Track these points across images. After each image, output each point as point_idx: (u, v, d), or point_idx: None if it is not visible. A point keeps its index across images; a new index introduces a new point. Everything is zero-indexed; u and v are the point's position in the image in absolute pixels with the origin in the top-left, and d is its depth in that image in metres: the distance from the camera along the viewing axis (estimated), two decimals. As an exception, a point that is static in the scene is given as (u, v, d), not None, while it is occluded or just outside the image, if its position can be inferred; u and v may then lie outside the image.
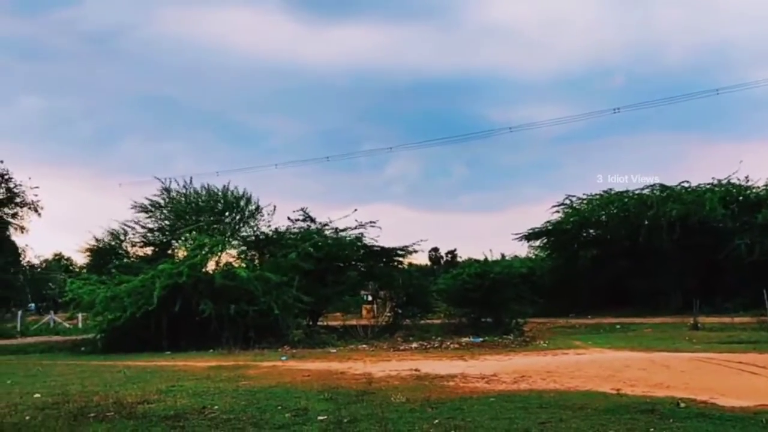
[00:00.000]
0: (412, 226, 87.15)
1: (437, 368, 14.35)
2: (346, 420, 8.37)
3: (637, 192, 38.79)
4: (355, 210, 30.18)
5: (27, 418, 8.86)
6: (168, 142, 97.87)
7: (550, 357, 17.03)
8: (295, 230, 30.86)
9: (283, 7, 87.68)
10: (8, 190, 36.90)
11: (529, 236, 42.52)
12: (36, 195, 37.23)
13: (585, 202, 40.86)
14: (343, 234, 30.54)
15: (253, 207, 30.51)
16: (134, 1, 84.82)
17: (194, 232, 28.31)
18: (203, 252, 25.87)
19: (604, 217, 39.77)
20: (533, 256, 46.04)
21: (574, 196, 41.30)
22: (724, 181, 38.09)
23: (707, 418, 8.02)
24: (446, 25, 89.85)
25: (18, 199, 37.07)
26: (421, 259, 47.24)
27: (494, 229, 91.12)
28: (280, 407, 9.54)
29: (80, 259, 41.62)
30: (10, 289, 36.44)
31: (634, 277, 36.15)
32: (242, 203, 30.31)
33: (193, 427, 8.24)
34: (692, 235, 34.38)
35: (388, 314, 30.93)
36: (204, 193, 30.42)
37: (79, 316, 35.79)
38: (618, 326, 27.60)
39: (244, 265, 27.56)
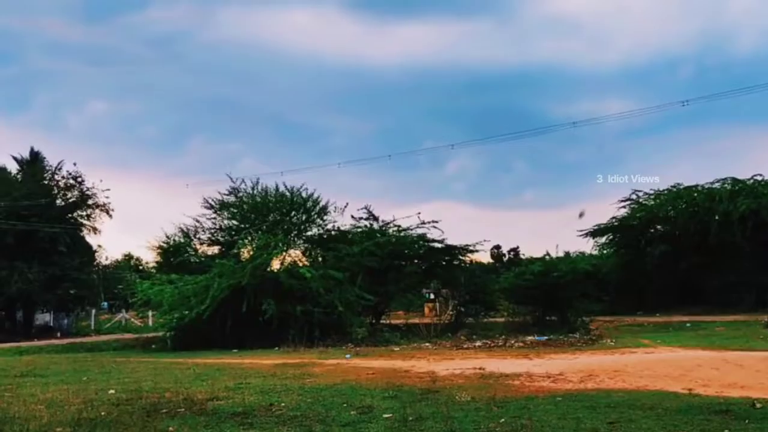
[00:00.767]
0: (473, 223, 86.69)
1: (502, 367, 14.23)
2: (412, 418, 8.37)
3: (707, 186, 37.72)
4: (419, 213, 30.27)
5: (103, 413, 9.12)
6: (232, 142, 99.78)
7: (617, 356, 16.70)
8: (358, 228, 31.08)
9: (343, 7, 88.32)
10: (81, 192, 38.22)
11: (595, 233, 41.77)
12: (107, 197, 38.47)
13: (652, 197, 39.91)
14: (405, 232, 30.60)
15: (320, 207, 30.80)
16: (197, 6, 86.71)
17: (259, 232, 28.81)
18: (267, 252, 26.30)
19: (672, 212, 38.71)
20: (598, 253, 45.19)
21: (640, 191, 40.42)
22: (800, 174, 36.63)
23: (785, 420, 7.73)
24: (505, 21, 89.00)
25: (90, 201, 38.36)
26: (483, 257, 46.80)
27: (557, 226, 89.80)
28: (345, 405, 9.61)
29: (149, 258, 42.84)
30: (84, 289, 37.69)
31: (704, 273, 35.11)
32: (309, 203, 30.63)
33: (261, 424, 8.35)
34: (766, 230, 33.16)
35: (451, 312, 30.83)
36: (272, 192, 30.83)
37: (150, 314, 36.90)
38: (688, 324, 26.86)
39: (308, 263, 27.86)
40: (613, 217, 40.58)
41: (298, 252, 30.13)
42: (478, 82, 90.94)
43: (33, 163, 38.36)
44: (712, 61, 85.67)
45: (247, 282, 23.92)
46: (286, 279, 24.63)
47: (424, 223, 30.31)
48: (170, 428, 8.08)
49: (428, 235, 30.61)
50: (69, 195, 38.27)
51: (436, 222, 30.36)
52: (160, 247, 31.18)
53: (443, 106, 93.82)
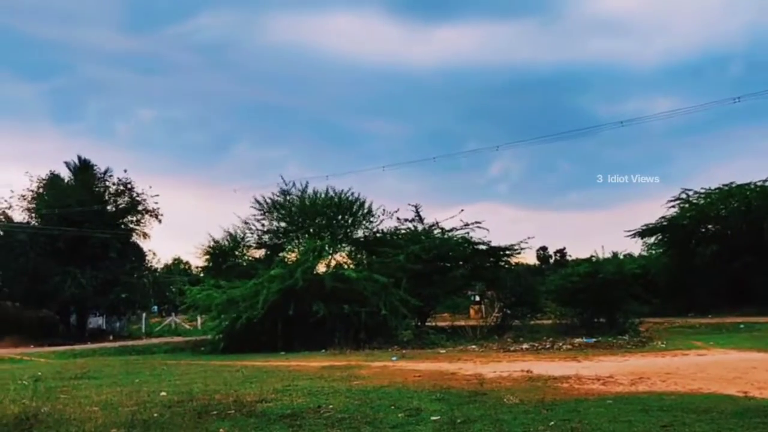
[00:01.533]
0: (518, 224, 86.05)
1: (550, 369, 14.09)
2: (460, 420, 8.34)
3: (759, 184, 36.74)
4: (462, 210, 30.27)
5: (155, 415, 9.28)
6: (277, 147, 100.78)
7: (668, 358, 16.39)
8: (403, 231, 31.12)
9: (386, 11, 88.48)
10: (132, 198, 39.09)
11: (643, 233, 41.03)
12: (156, 203, 39.28)
13: (703, 196, 39.02)
14: (449, 234, 30.53)
15: (365, 210, 30.95)
16: (242, 14, 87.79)
17: (306, 235, 29.06)
18: (315, 254, 26.52)
19: (723, 211, 37.82)
20: (647, 254, 44.35)
21: (690, 190, 39.56)
22: None
23: None
24: (549, 20, 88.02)
25: (140, 207, 39.21)
26: (529, 258, 46.47)
27: (604, 227, 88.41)
28: (393, 407, 9.62)
29: (198, 263, 43.56)
30: (135, 293, 38.48)
31: (758, 273, 34.15)
32: (355, 207, 30.80)
33: (309, 426, 8.41)
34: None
35: (497, 315, 30.65)
36: (320, 196, 31.07)
37: (198, 318, 37.49)
38: (741, 326, 26.19)
39: (353, 266, 28.01)
40: (662, 217, 39.83)
41: (343, 255, 30.34)
42: (520, 82, 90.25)
43: (84, 170, 39.29)
44: (762, 56, 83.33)
45: (297, 286, 24.16)
46: (332, 282, 24.80)
47: (467, 224, 30.28)
48: (221, 430, 8.19)
49: (473, 237, 30.58)
50: (119, 201, 39.16)
51: (480, 223, 30.31)
52: (207, 252, 31.66)
53: (485, 107, 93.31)
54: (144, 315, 45.52)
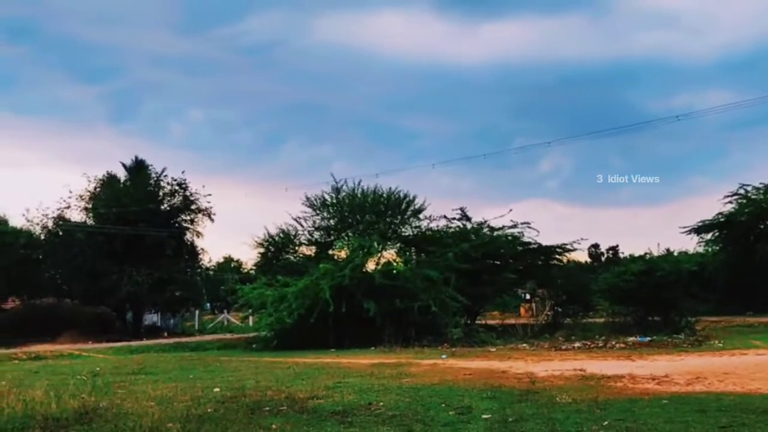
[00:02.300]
0: (568, 221, 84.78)
1: (603, 368, 13.89)
2: (512, 419, 8.28)
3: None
4: (510, 210, 30.08)
5: (209, 410, 9.45)
6: (324, 145, 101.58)
7: (726, 357, 16.01)
8: (452, 229, 30.99)
9: (431, 7, 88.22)
10: (185, 198, 39.74)
11: (699, 229, 40.02)
12: (209, 202, 39.84)
13: (762, 191, 37.86)
14: (498, 233, 30.31)
15: (415, 208, 30.91)
16: (289, 14, 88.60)
17: (356, 233, 29.19)
18: (363, 252, 26.62)
19: (784, 206, 36.66)
20: (703, 251, 43.27)
21: (748, 185, 38.45)
22: None
23: None
24: (599, 15, 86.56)
25: (193, 206, 39.85)
26: (581, 256, 45.77)
27: (658, 223, 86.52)
28: (444, 405, 9.60)
29: (251, 255, 44.08)
30: (189, 290, 39.14)
31: (822, 271, 33.07)
32: (404, 204, 30.81)
33: (361, 423, 8.45)
34: None
35: (548, 313, 30.32)
36: (370, 194, 31.14)
37: (250, 315, 37.98)
38: (803, 325, 25.42)
39: (401, 263, 28.02)
40: (719, 213, 38.81)
41: (392, 252, 30.35)
42: (569, 77, 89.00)
43: (139, 170, 40.10)
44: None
45: (347, 282, 24.31)
46: (381, 279, 24.88)
47: (516, 224, 30.04)
48: (273, 426, 8.28)
49: (522, 235, 30.31)
50: (173, 200, 39.85)
51: (530, 223, 30.09)
52: (261, 244, 31.97)
53: (533, 103, 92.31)
54: (197, 312, 46.28)
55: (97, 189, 38.56)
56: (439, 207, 31.54)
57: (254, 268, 34.92)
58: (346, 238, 30.12)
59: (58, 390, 10.93)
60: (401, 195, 30.89)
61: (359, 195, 30.98)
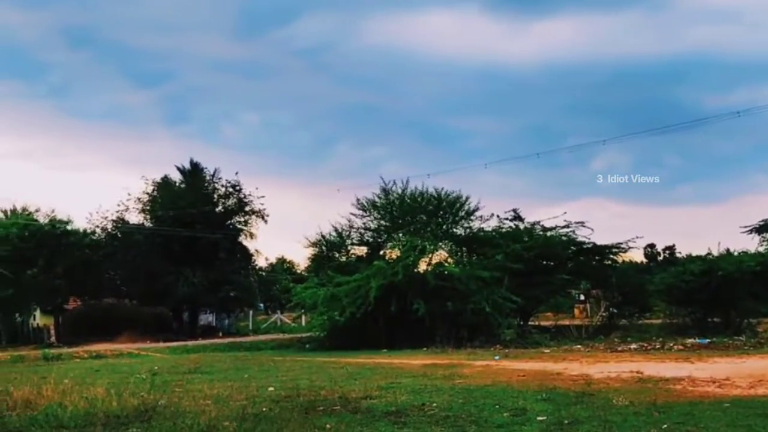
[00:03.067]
0: (623, 221, 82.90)
1: (661, 370, 13.59)
2: (567, 421, 8.17)
3: None
4: (565, 213, 29.62)
5: (264, 409, 9.57)
6: (376, 147, 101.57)
7: (791, 361, 15.49)
8: (504, 229, 30.71)
9: (481, 7, 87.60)
10: (239, 200, 40.39)
11: (761, 228, 38.79)
12: (262, 204, 40.41)
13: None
14: (551, 233, 29.90)
15: (467, 208, 30.70)
16: (340, 17, 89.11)
17: (408, 234, 29.17)
18: (415, 252, 26.60)
19: None
20: (764, 251, 41.89)
21: (813, 182, 37.15)
22: None
23: None
24: (653, 11, 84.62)
25: (247, 208, 40.46)
26: (636, 256, 44.87)
27: (716, 222, 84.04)
28: (497, 406, 9.53)
29: (301, 260, 44.39)
30: (243, 291, 39.72)
31: None
32: (457, 205, 30.65)
33: (414, 424, 8.45)
34: None
35: (603, 314, 29.79)
36: (420, 194, 31.06)
37: (303, 315, 38.34)
38: None
39: (453, 264, 27.89)
40: (782, 212, 37.60)
41: (444, 253, 30.22)
42: (623, 75, 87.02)
43: (194, 173, 40.84)
44: None
45: (399, 281, 24.33)
46: (433, 279, 24.82)
47: (569, 224, 29.58)
48: (327, 425, 8.34)
49: (576, 235, 29.84)
50: (227, 202, 40.50)
51: (584, 223, 29.60)
52: (314, 244, 32.17)
53: (585, 101, 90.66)
54: (251, 312, 46.93)
55: (154, 192, 39.42)
56: (490, 207, 31.19)
57: (308, 267, 35.17)
58: (398, 238, 30.11)
59: (118, 388, 11.20)
60: (455, 196, 30.75)
61: (409, 195, 30.90)
